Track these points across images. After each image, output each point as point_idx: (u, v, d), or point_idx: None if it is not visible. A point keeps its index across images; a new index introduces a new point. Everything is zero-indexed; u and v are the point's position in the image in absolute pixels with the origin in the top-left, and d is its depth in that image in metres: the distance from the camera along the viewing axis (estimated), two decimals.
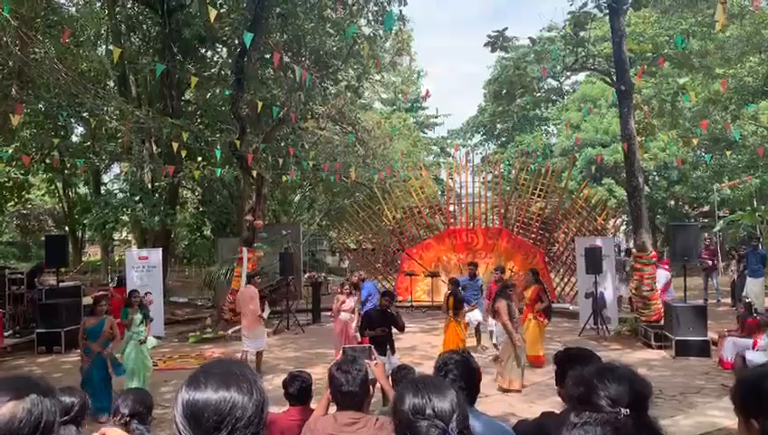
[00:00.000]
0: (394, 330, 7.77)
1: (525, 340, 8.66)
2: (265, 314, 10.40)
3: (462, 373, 2.64)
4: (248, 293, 10.10)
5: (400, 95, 36.10)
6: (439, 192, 21.61)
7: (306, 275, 19.21)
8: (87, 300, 12.50)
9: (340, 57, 16.11)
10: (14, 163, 16.51)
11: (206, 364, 1.47)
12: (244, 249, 14.05)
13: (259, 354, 9.93)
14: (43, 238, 19.41)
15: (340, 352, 9.16)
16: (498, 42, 12.78)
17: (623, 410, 1.54)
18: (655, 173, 26.19)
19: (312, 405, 3.83)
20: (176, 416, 1.35)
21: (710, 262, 15.26)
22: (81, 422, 3.02)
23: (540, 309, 9.67)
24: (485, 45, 12.88)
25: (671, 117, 15.47)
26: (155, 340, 9.58)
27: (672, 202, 27.90)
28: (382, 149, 22.75)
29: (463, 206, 18.03)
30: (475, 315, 10.75)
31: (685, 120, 19.38)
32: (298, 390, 3.93)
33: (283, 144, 17.86)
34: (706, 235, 18.66)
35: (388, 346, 7.57)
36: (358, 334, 8.81)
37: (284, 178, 17.42)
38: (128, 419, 2.99)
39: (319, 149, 20.68)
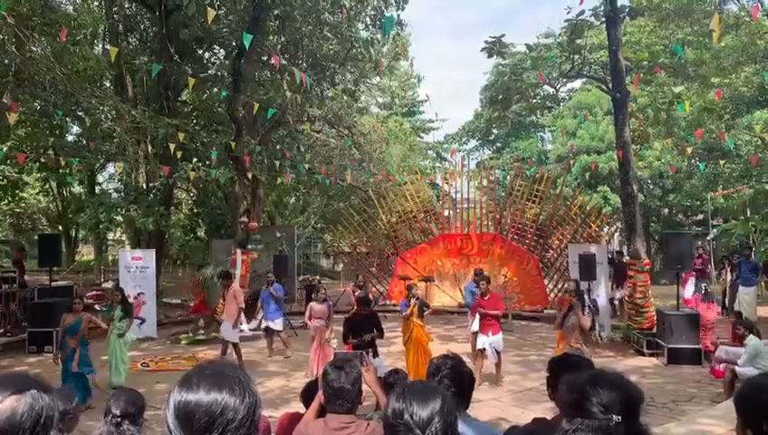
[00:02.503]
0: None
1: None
2: (244, 326, 10.73)
3: (454, 378, 2.64)
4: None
5: (397, 99, 36.08)
6: (435, 197, 21.60)
7: (300, 278, 19.16)
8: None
9: (337, 60, 16.12)
10: (8, 161, 16.42)
11: (199, 365, 1.47)
12: (238, 251, 14.02)
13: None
14: (36, 237, 19.31)
15: (314, 360, 9.11)
16: (495, 48, 12.84)
17: (615, 416, 1.55)
18: (649, 181, 26.30)
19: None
20: (167, 417, 1.34)
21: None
22: (70, 426, 2.99)
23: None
24: (482, 51, 12.95)
25: (666, 125, 15.57)
26: (134, 336, 9.70)
27: (666, 210, 28.02)
28: (378, 153, 22.76)
29: (458, 211, 18.04)
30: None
31: (680, 128, 19.47)
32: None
33: (278, 146, 17.85)
34: (700, 243, 18.74)
35: (371, 349, 7.48)
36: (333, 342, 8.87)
37: (280, 180, 17.41)
38: (119, 419, 2.97)
39: (315, 152, 20.67)
